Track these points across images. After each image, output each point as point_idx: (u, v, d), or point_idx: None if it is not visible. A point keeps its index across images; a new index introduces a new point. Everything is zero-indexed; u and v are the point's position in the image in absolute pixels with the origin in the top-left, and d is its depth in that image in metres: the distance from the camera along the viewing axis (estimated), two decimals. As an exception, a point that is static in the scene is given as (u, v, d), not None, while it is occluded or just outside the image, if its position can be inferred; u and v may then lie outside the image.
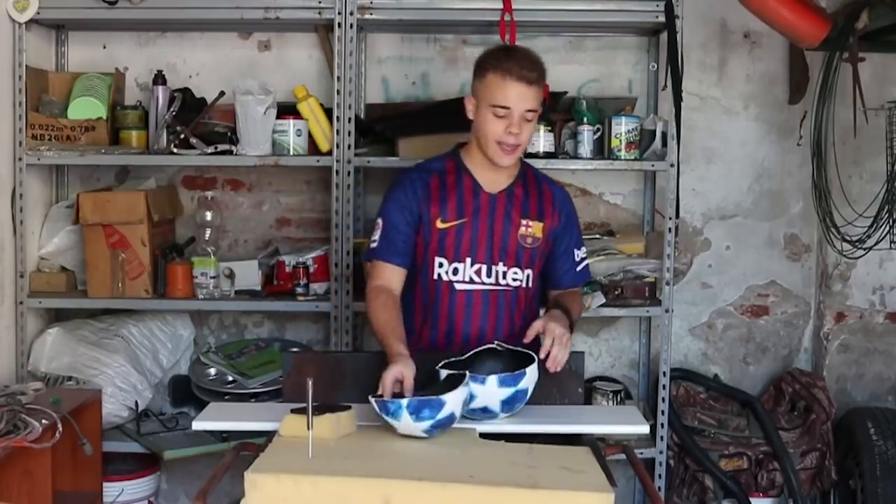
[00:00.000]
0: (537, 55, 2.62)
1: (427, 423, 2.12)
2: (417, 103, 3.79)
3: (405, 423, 2.13)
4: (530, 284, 2.68)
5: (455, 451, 2.10)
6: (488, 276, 2.63)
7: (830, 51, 3.35)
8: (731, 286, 3.96)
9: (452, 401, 2.14)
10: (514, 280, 2.65)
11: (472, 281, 2.63)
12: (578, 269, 2.76)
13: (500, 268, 2.64)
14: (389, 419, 2.15)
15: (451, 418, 2.15)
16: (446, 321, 2.64)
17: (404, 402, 2.12)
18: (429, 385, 2.29)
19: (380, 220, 2.66)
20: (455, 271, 2.63)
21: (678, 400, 3.74)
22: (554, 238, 2.71)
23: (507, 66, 2.51)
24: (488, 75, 2.54)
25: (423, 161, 2.75)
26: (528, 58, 2.57)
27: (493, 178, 2.65)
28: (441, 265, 2.63)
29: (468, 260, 2.62)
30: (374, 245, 2.64)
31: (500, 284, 2.64)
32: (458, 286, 2.63)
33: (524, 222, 2.65)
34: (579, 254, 2.76)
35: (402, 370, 2.29)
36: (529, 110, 2.53)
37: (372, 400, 2.17)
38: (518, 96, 2.50)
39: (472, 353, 2.42)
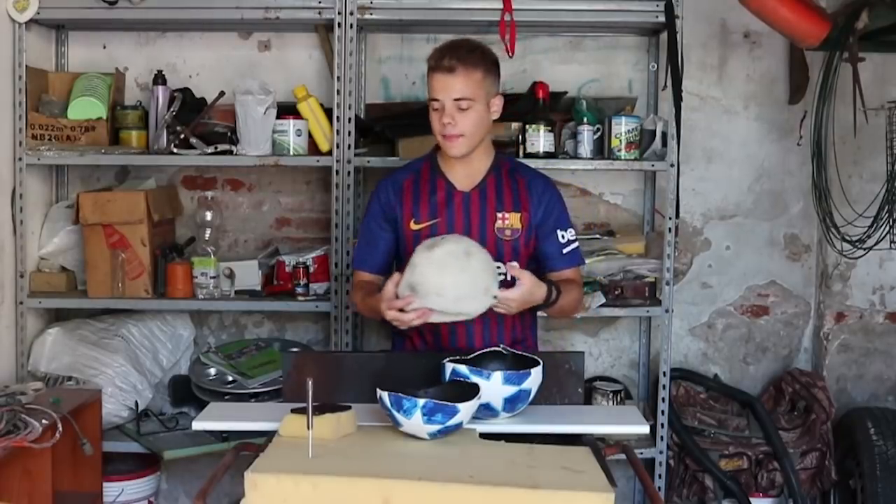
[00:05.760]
0: (475, 44, 2.61)
1: (435, 427, 2.11)
2: (417, 103, 3.78)
3: (414, 422, 2.10)
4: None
5: (455, 451, 2.10)
6: None
7: (830, 51, 3.35)
8: (731, 286, 3.96)
9: (465, 410, 2.13)
10: (498, 274, 2.63)
11: None
12: (565, 251, 2.69)
13: None
14: (399, 415, 2.10)
15: (458, 426, 2.14)
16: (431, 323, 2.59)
17: (421, 401, 2.09)
18: (431, 384, 2.28)
19: (361, 229, 2.75)
20: None
21: (678, 400, 3.74)
22: (537, 225, 2.67)
23: (431, 61, 2.58)
24: (428, 73, 2.60)
25: (401, 166, 2.79)
26: (454, 48, 2.58)
27: (465, 175, 2.66)
28: None
29: None
30: (354, 255, 2.77)
31: None
32: None
33: (500, 215, 2.63)
34: (566, 235, 2.69)
35: (391, 279, 2.41)
36: (459, 98, 2.53)
37: (383, 394, 2.12)
38: (442, 87, 2.54)
39: (476, 353, 2.41)
